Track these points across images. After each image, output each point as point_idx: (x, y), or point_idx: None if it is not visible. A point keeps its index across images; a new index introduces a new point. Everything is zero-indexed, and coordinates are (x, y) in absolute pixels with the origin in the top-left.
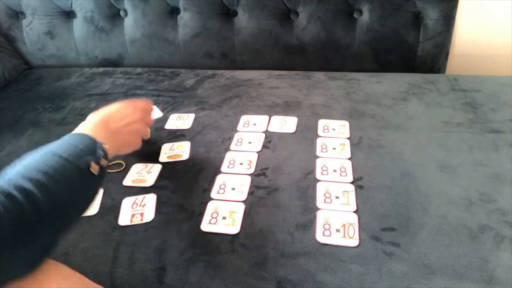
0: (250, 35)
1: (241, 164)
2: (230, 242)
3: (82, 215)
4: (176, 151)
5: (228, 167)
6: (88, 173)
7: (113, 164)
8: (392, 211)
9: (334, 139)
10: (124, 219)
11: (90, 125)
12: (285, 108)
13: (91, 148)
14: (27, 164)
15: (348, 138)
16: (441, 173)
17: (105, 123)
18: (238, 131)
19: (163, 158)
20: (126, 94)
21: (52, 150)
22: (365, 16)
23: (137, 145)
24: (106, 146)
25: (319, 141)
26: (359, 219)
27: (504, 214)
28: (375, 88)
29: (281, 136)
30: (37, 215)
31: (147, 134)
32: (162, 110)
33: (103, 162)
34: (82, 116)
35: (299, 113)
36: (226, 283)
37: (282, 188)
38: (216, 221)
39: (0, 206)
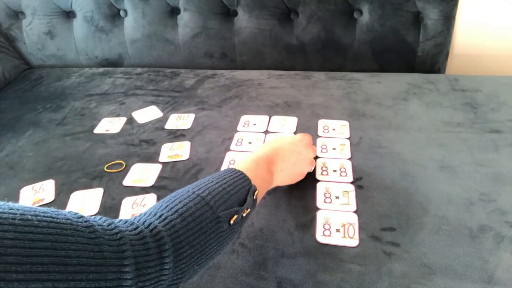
0: (250, 35)
1: None
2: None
3: (211, 261)
4: (176, 151)
5: (228, 167)
6: (227, 225)
7: (113, 164)
8: (392, 211)
9: (334, 139)
10: None
11: (259, 160)
12: (285, 108)
13: (242, 196)
14: (169, 200)
15: (348, 138)
16: (441, 173)
17: (276, 160)
18: (238, 131)
19: (163, 158)
20: (126, 94)
21: (203, 185)
22: (365, 16)
23: (302, 177)
24: (256, 194)
25: (319, 141)
26: (359, 219)
27: (504, 214)
28: (375, 88)
29: (281, 136)
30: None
31: (313, 166)
32: (162, 110)
33: (245, 212)
34: (82, 116)
35: (299, 113)
36: (226, 283)
37: (282, 188)
38: None
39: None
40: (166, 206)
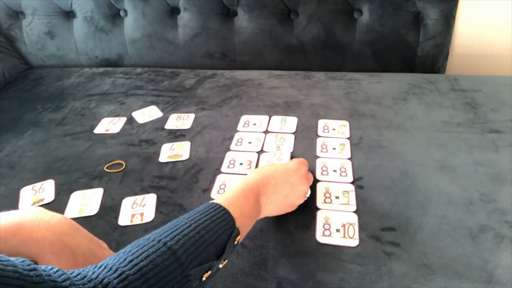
0: (250, 35)
1: (241, 164)
2: None
3: None
4: (176, 151)
5: (228, 167)
6: (197, 282)
7: (113, 164)
8: (392, 211)
9: (334, 139)
10: (124, 219)
11: (248, 192)
12: (285, 108)
13: (221, 244)
14: (133, 251)
15: (348, 138)
16: (441, 173)
17: (266, 191)
18: (238, 131)
19: (163, 158)
20: (126, 94)
21: (176, 230)
22: (365, 16)
23: (292, 209)
24: (238, 240)
25: (319, 141)
26: (359, 219)
27: (504, 214)
28: (375, 88)
29: (281, 136)
30: None
31: (307, 193)
32: (162, 110)
33: (223, 263)
34: (82, 116)
35: (299, 113)
36: (226, 283)
37: None
38: None
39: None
40: (128, 261)
